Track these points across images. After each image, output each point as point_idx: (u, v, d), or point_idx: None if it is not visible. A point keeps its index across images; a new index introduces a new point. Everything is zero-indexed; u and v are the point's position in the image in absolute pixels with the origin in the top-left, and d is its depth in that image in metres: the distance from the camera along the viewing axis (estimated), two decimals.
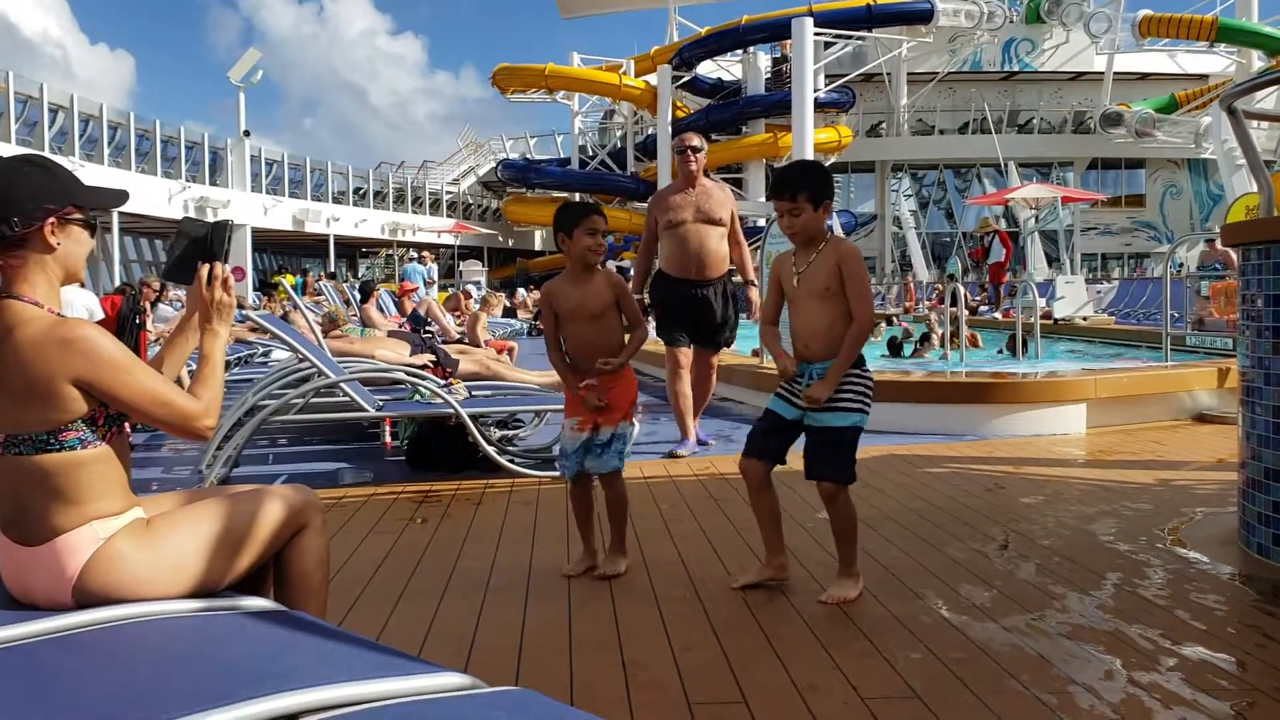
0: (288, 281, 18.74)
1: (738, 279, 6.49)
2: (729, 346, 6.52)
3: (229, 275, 2.31)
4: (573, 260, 3.72)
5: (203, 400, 2.12)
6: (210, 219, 2.44)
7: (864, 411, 3.36)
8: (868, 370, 3.42)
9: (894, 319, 16.64)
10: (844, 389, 3.33)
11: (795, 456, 3.48)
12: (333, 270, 35.21)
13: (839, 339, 3.34)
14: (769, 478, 3.48)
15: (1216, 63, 38.42)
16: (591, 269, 3.73)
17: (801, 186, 3.37)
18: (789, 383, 3.45)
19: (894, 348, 11.78)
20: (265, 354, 11.56)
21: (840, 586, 3.37)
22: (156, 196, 28.89)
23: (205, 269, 2.28)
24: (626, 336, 3.80)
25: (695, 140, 6.25)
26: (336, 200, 39.39)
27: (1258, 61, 33.95)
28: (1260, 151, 4.48)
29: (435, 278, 25.69)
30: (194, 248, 2.33)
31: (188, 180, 31.13)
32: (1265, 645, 2.90)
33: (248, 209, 32.31)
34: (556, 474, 5.62)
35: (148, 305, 11.69)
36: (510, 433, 6.69)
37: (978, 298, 20.42)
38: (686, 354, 6.29)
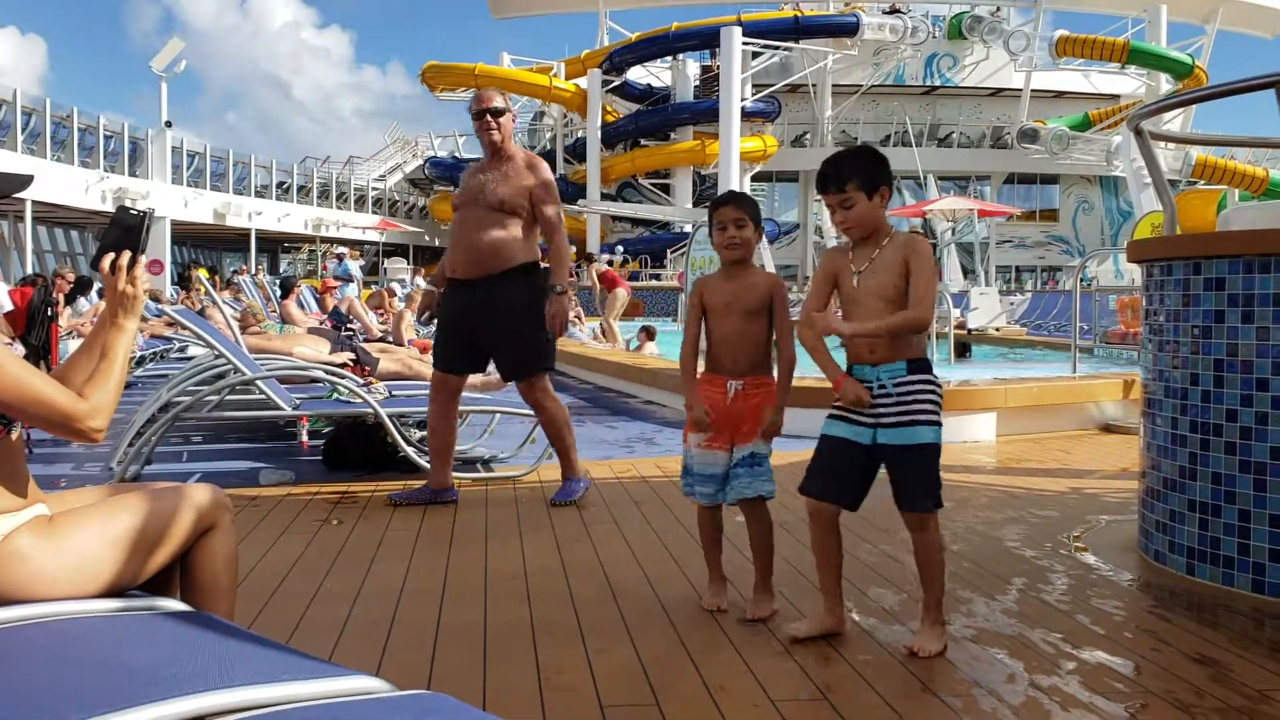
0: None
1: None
2: (544, 371, 4.95)
3: (136, 268, 2.20)
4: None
5: (90, 400, 1.98)
6: (135, 209, 2.34)
7: (938, 423, 2.99)
8: (935, 375, 3.05)
9: None
10: (917, 396, 2.96)
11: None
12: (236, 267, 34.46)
13: (905, 347, 2.97)
14: (837, 527, 3.11)
15: (1128, 84, 39.70)
16: (740, 264, 3.36)
17: (850, 175, 3.00)
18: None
19: None
20: (182, 349, 11.32)
21: (926, 636, 2.96)
22: (73, 186, 28.03)
23: (107, 260, 2.14)
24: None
25: (495, 100, 4.97)
26: (259, 194, 38.64)
27: (1165, 84, 35.15)
28: (1165, 171, 4.65)
29: (356, 274, 25.15)
30: (124, 237, 2.23)
31: (106, 171, 30.26)
32: (1160, 649, 3.00)
33: (168, 201, 31.53)
34: (477, 475, 5.60)
35: (60, 297, 11.36)
36: None
37: None
38: (453, 380, 5.01)
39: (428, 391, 6.58)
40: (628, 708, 2.54)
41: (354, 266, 26.25)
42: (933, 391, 2.99)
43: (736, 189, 31.59)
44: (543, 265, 4.97)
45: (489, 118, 4.88)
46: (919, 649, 2.91)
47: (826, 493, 3.08)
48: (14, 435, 2.03)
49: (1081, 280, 10.94)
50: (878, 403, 2.97)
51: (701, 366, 3.45)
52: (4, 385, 1.90)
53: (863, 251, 3.04)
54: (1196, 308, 3.74)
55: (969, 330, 15.60)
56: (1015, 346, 14.35)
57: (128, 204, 2.51)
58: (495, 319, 4.80)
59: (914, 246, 3.00)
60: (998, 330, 16.24)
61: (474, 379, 8.06)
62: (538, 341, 4.86)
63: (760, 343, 3.33)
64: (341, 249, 30.33)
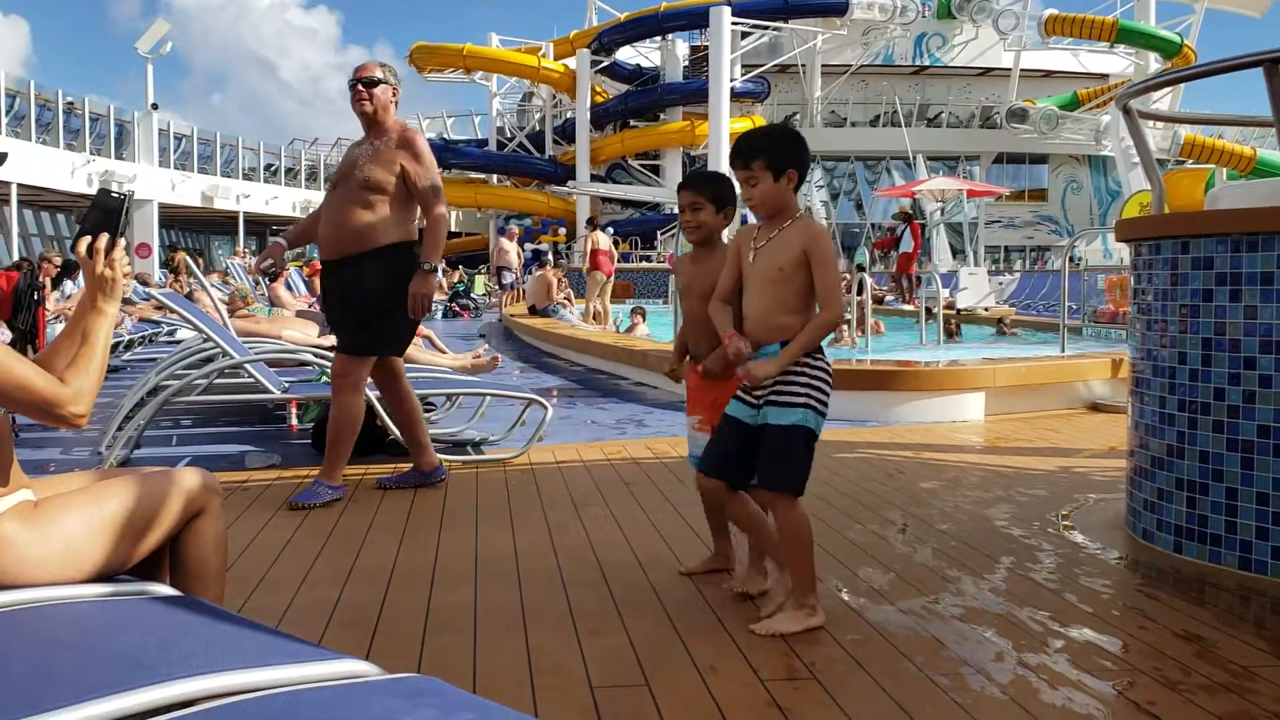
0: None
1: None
2: (394, 354, 4.78)
3: (118, 250, 2.18)
4: None
5: (72, 385, 1.96)
6: (116, 191, 2.32)
7: (810, 407, 2.93)
8: (823, 360, 2.99)
9: None
10: (793, 379, 2.93)
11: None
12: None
13: (779, 328, 2.95)
14: (737, 499, 3.12)
15: (1117, 63, 39.67)
16: (704, 246, 3.37)
17: (757, 152, 2.97)
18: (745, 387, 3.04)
19: None
20: (170, 333, 11.28)
21: (784, 616, 2.95)
22: (59, 169, 27.83)
23: (85, 242, 2.11)
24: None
25: (372, 70, 4.68)
26: (247, 177, 38.44)
27: (1154, 63, 35.14)
28: (1154, 151, 4.65)
29: None
30: (104, 220, 2.22)
31: (92, 154, 30.04)
32: (1146, 627, 3.02)
33: (155, 184, 31.35)
34: (467, 458, 5.60)
35: (47, 281, 11.31)
36: None
37: (885, 287, 20.79)
38: (349, 363, 4.67)
39: (418, 374, 6.59)
40: (618, 689, 2.55)
41: None
42: (808, 374, 2.94)
43: (720, 170, 31.53)
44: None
45: (360, 88, 4.62)
46: (763, 628, 2.90)
47: (710, 468, 3.10)
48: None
49: (1070, 260, 10.96)
50: (764, 384, 2.95)
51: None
52: None
53: (765, 231, 3.04)
54: (1184, 286, 3.75)
55: (957, 310, 15.63)
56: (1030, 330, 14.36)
57: (109, 187, 2.49)
58: (351, 301, 4.59)
59: (812, 234, 2.96)
60: (986, 310, 16.27)
61: (464, 360, 8.04)
62: (380, 323, 4.60)
63: None
64: None
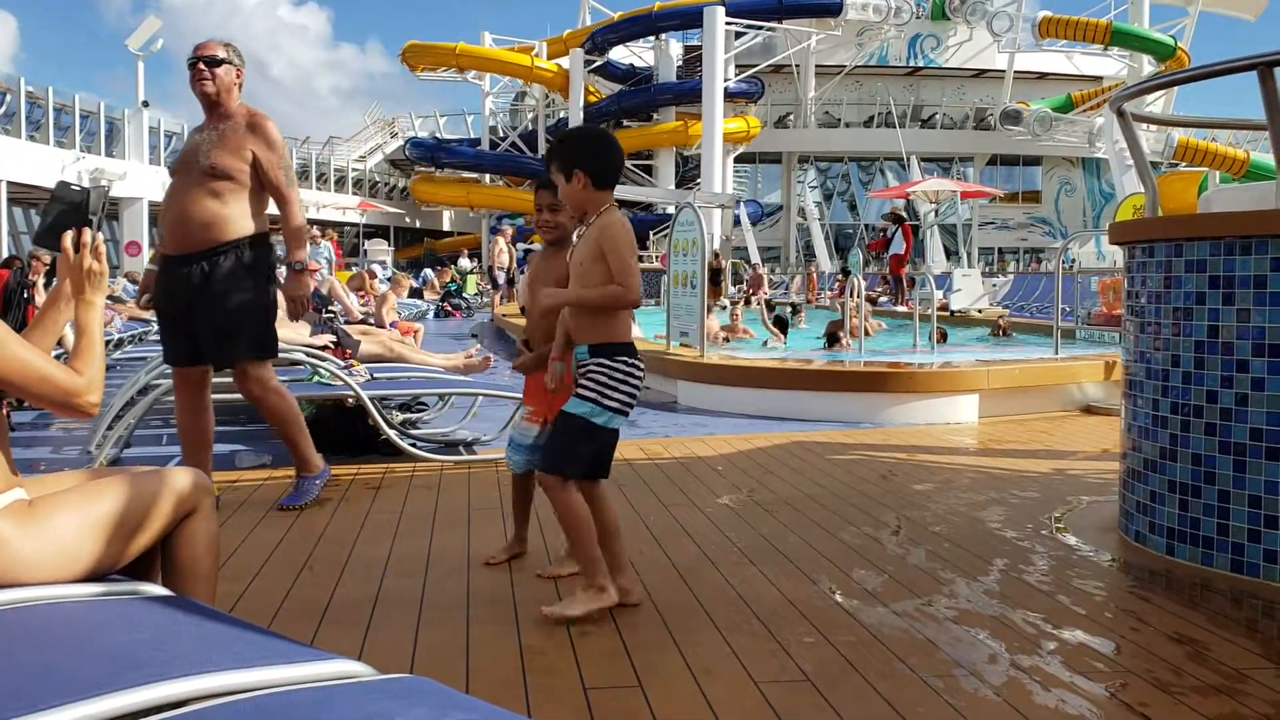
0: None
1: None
2: (256, 358, 4.39)
3: (99, 242, 2.21)
4: None
5: (84, 375, 2.04)
6: (88, 184, 2.33)
7: (599, 403, 3.00)
8: (626, 362, 3.06)
9: (798, 307, 16.91)
10: (587, 376, 3.05)
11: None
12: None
13: (580, 327, 3.08)
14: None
15: (1110, 65, 39.73)
16: (559, 245, 3.49)
17: (552, 157, 3.13)
18: None
19: (782, 325, 12.20)
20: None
21: (572, 599, 3.05)
22: (49, 167, 27.69)
23: (69, 236, 2.15)
24: None
25: (214, 48, 4.33)
26: None
27: (1148, 66, 35.21)
28: (1147, 153, 4.66)
29: (329, 256, 23.84)
30: (69, 213, 2.23)
31: (82, 151, 29.92)
32: (1139, 629, 3.03)
33: (146, 182, 31.19)
34: (460, 458, 5.59)
35: (38, 279, 11.26)
36: (413, 416, 6.61)
37: (878, 288, 20.81)
38: (191, 372, 4.41)
39: (410, 374, 6.58)
40: (611, 689, 2.54)
41: (328, 248, 25.01)
42: (604, 372, 3.04)
43: (715, 171, 31.54)
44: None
45: (201, 66, 4.25)
46: (550, 611, 2.99)
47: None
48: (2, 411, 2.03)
49: (1064, 262, 10.97)
50: (577, 374, 3.12)
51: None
52: (9, 363, 1.93)
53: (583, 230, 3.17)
54: (1178, 289, 3.75)
55: (951, 312, 15.64)
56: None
57: (68, 180, 2.48)
58: (203, 300, 4.19)
59: (603, 225, 3.06)
60: (980, 312, 16.30)
61: (456, 360, 8.03)
62: (250, 325, 4.30)
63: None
64: (315, 230, 29.84)
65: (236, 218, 4.21)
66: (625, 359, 3.07)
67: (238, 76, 4.38)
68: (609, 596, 3.03)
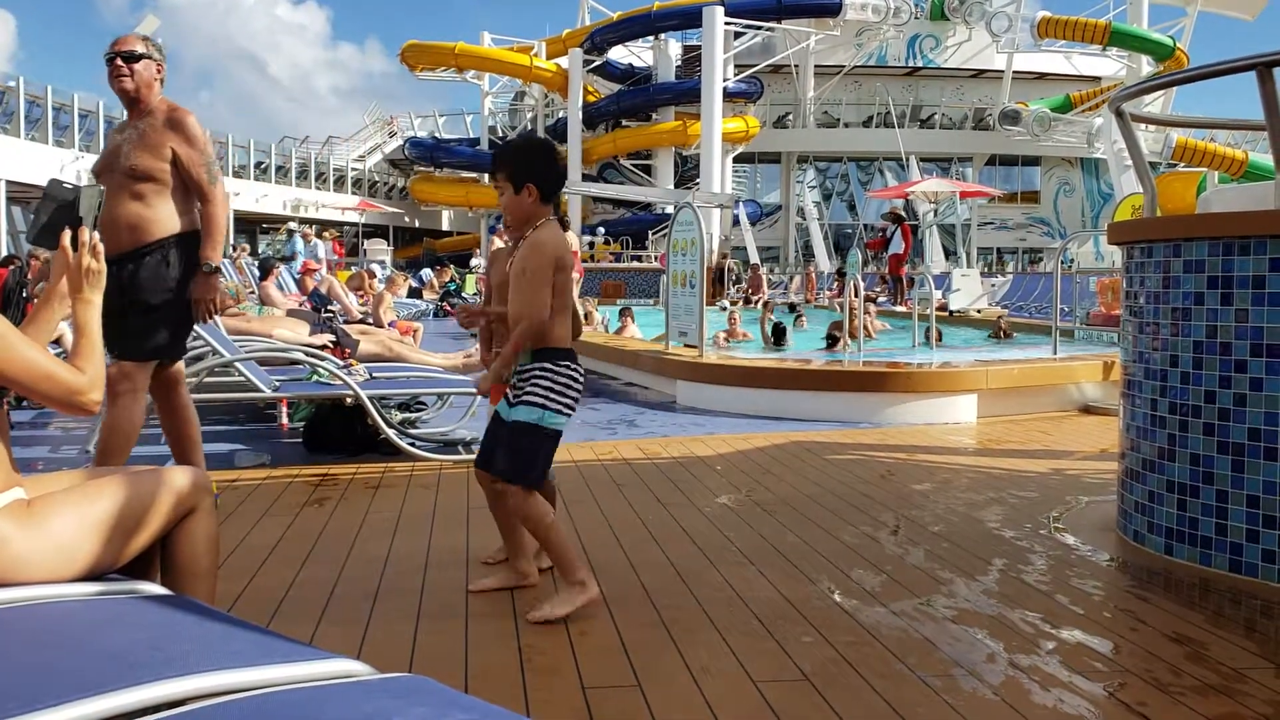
0: None
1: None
2: (175, 358, 4.27)
3: (96, 241, 2.21)
4: None
5: (87, 373, 2.05)
6: (84, 183, 2.33)
7: (547, 408, 3.06)
8: (569, 366, 3.13)
9: (795, 306, 16.91)
10: (529, 382, 3.09)
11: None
12: None
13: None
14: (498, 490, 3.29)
15: (1109, 66, 39.72)
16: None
17: (500, 166, 3.14)
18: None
19: (780, 332, 12.16)
20: None
21: (555, 600, 3.09)
22: (48, 166, 27.68)
23: (67, 235, 2.17)
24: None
25: (132, 43, 4.15)
26: (237, 175, 38.28)
27: (1146, 66, 35.21)
28: (1146, 154, 4.66)
29: (322, 255, 22.95)
30: (61, 212, 2.24)
31: (81, 150, 29.90)
32: (1137, 629, 3.03)
33: None
34: (459, 458, 5.59)
35: (35, 278, 11.24)
36: (412, 415, 6.61)
37: (876, 288, 20.80)
38: (129, 368, 4.09)
39: (409, 374, 6.59)
40: (610, 689, 2.55)
41: (300, 243, 24.09)
42: (545, 377, 3.09)
43: (714, 170, 31.54)
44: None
45: (120, 63, 4.07)
46: (535, 615, 3.03)
47: (479, 459, 3.33)
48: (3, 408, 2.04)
49: (1062, 262, 10.97)
50: (517, 382, 3.16)
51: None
52: (14, 361, 1.94)
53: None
54: (1176, 289, 3.76)
55: (950, 312, 15.64)
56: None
57: (60, 179, 2.45)
58: (130, 301, 4.03)
59: (529, 243, 3.11)
60: (979, 312, 16.30)
61: (455, 359, 8.03)
62: (164, 324, 4.10)
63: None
64: (292, 224, 29.64)
65: (162, 218, 4.10)
66: (567, 364, 3.13)
67: (158, 71, 4.21)
68: (590, 590, 3.08)
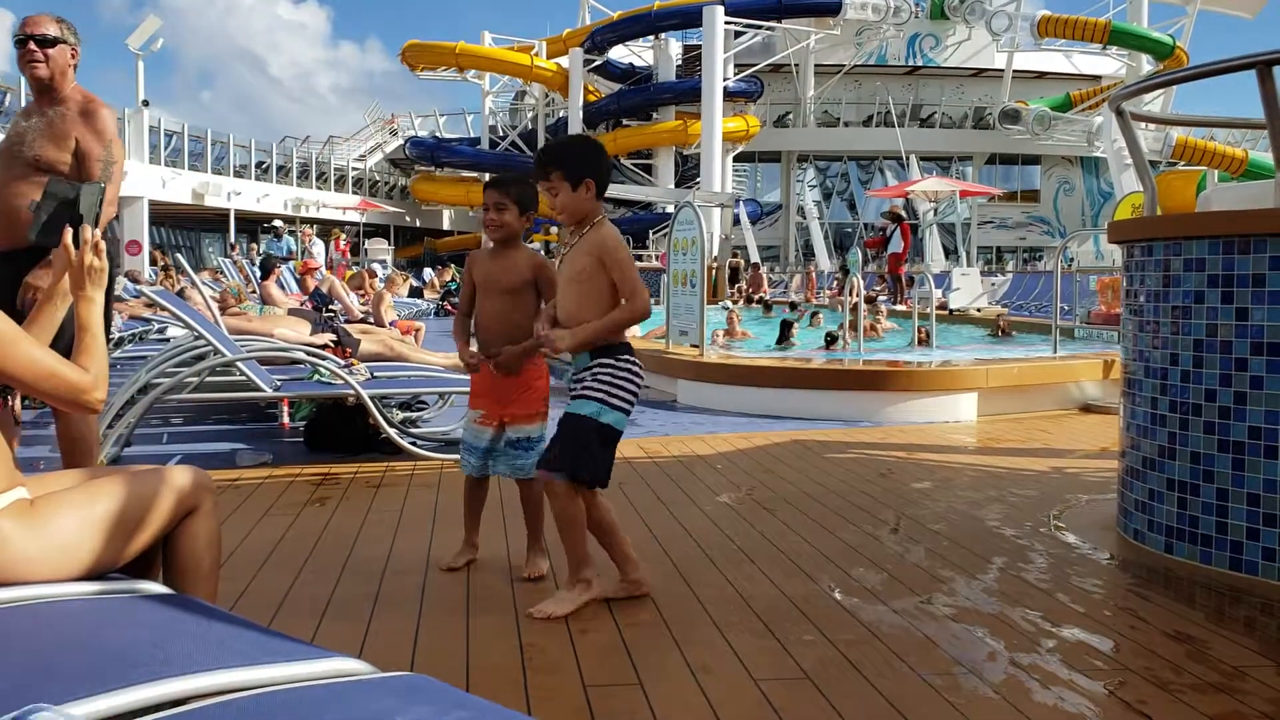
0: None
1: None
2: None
3: (99, 239, 2.22)
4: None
5: (91, 372, 2.05)
6: (64, 180, 2.34)
7: (606, 402, 3.05)
8: (630, 360, 3.13)
9: (796, 305, 16.91)
10: (591, 377, 3.09)
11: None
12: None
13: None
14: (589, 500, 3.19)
15: (1109, 65, 39.71)
16: (506, 244, 3.53)
17: (553, 163, 3.12)
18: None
19: (787, 327, 12.14)
20: (161, 330, 11.23)
21: (558, 596, 3.12)
22: None
23: (70, 233, 2.17)
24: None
25: (46, 26, 3.88)
26: (238, 174, 38.31)
27: (1146, 65, 35.20)
28: (1146, 152, 4.66)
29: (318, 255, 22.40)
30: (62, 210, 2.24)
31: None
32: (1137, 627, 3.03)
33: (146, 181, 31.18)
34: (459, 457, 5.58)
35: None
36: (413, 414, 6.61)
37: (876, 288, 20.78)
38: None
39: (410, 373, 6.59)
40: (611, 687, 2.55)
41: (291, 242, 23.66)
42: (605, 371, 3.08)
43: (715, 167, 31.54)
44: None
45: (32, 46, 3.82)
46: (538, 611, 3.03)
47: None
48: (9, 406, 2.04)
49: (1062, 261, 10.97)
50: (575, 383, 3.15)
51: None
52: (18, 360, 1.95)
53: (572, 236, 3.18)
54: (1176, 288, 3.76)
55: (950, 311, 15.63)
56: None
57: (59, 176, 2.43)
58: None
59: (600, 239, 3.10)
60: (979, 311, 16.30)
61: (455, 358, 8.04)
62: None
63: (521, 322, 3.43)
64: (279, 223, 29.59)
65: None
66: (628, 358, 3.13)
67: (73, 57, 3.97)
68: (594, 590, 3.10)
